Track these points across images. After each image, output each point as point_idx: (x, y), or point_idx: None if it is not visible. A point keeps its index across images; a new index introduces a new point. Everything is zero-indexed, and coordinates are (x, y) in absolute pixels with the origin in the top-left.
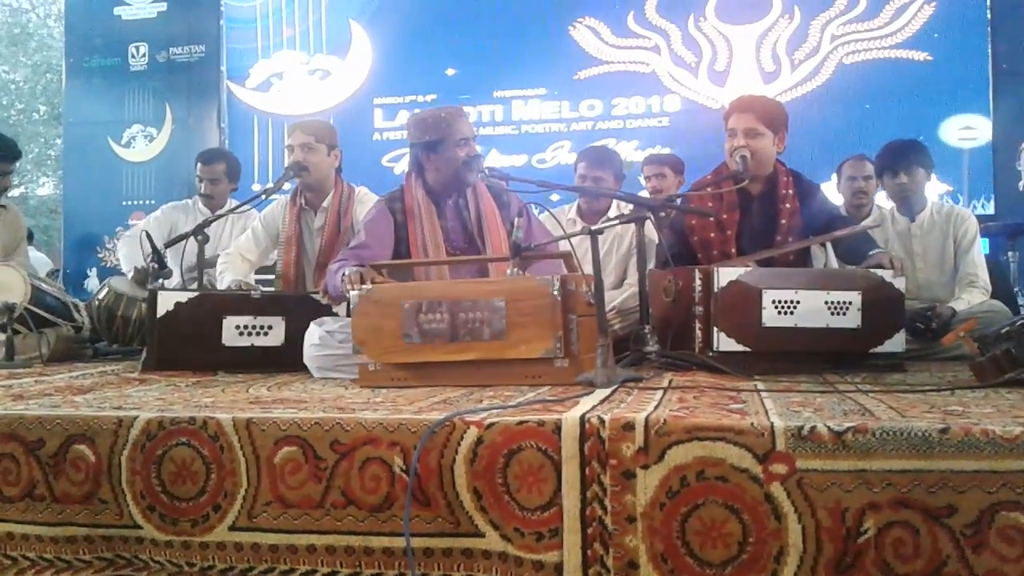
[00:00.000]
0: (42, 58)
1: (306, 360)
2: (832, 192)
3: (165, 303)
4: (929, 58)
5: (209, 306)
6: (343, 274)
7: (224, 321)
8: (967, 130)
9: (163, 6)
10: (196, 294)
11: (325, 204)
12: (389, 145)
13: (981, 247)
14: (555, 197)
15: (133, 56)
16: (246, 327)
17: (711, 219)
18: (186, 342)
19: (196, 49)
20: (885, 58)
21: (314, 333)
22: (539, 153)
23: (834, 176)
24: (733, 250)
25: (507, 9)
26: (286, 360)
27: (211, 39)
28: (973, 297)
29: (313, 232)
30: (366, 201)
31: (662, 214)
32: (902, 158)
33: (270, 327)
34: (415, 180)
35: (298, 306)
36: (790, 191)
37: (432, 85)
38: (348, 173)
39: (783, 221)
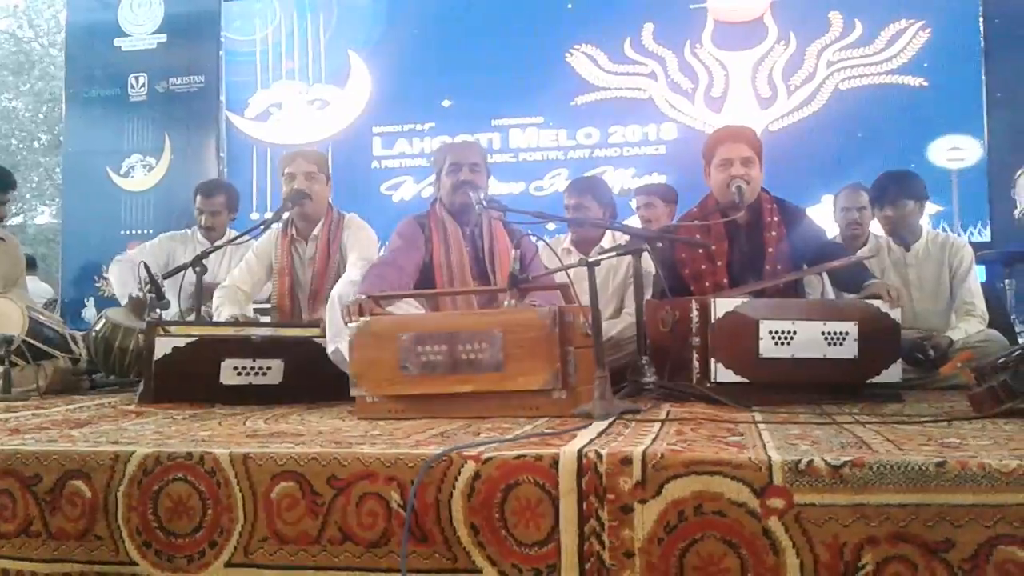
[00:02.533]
0: (44, 87)
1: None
2: (826, 218)
3: (162, 347)
4: (925, 83)
5: (207, 350)
6: (345, 306)
7: (222, 363)
8: (955, 151)
9: (163, 37)
10: (194, 339)
11: (316, 232)
12: (387, 174)
13: (977, 276)
14: (551, 226)
15: (133, 86)
16: (244, 368)
17: (701, 251)
18: (183, 383)
19: (195, 80)
20: (881, 84)
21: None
22: (536, 181)
23: (823, 198)
24: (725, 280)
25: (505, 37)
26: (284, 396)
27: (210, 70)
28: (970, 326)
29: (305, 261)
30: (354, 226)
31: (659, 244)
32: (888, 192)
33: (268, 368)
34: (439, 206)
35: (297, 347)
36: (775, 218)
37: (430, 114)
38: (347, 201)
39: (770, 249)
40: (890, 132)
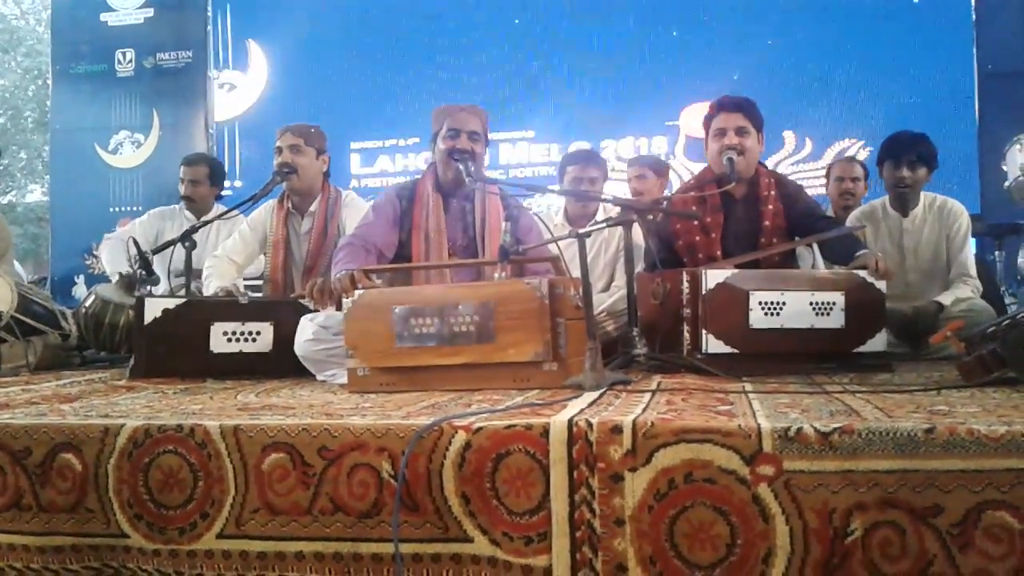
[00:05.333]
0: (31, 64)
1: (300, 356)
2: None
3: (152, 310)
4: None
5: (196, 313)
6: (336, 278)
7: (212, 328)
8: None
9: (150, 12)
10: (183, 300)
11: (312, 208)
12: (371, 192)
13: (972, 245)
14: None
15: (120, 62)
16: (234, 333)
17: (696, 223)
18: (174, 349)
19: (183, 55)
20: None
21: (307, 328)
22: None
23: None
24: (718, 253)
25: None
26: (275, 366)
27: (198, 44)
28: (961, 292)
29: (300, 236)
30: (353, 205)
31: (649, 216)
32: (908, 151)
33: (258, 333)
34: (430, 174)
35: (285, 311)
36: (772, 192)
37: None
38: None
39: (766, 223)
40: None
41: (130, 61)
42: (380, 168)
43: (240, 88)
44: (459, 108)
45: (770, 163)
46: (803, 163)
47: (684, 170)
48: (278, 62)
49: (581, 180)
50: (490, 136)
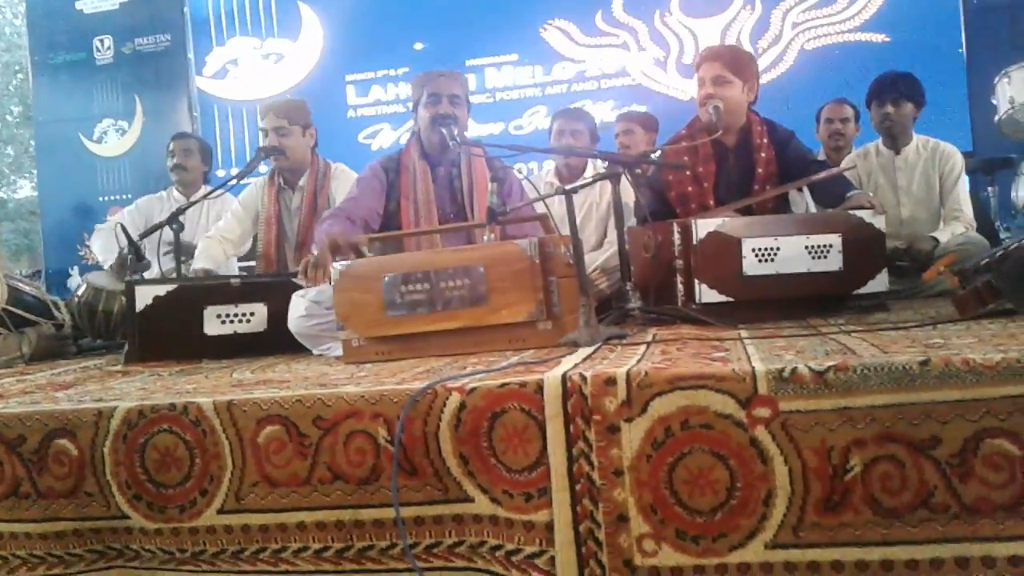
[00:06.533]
0: (11, 59)
1: (295, 332)
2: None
3: (143, 297)
4: (887, 39)
5: (188, 297)
6: (322, 242)
7: (205, 311)
8: None
9: None
10: (174, 286)
11: (302, 183)
12: (365, 121)
13: (966, 184)
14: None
15: (98, 49)
16: (228, 315)
17: (688, 173)
18: (168, 333)
19: (161, 39)
20: (844, 42)
21: (299, 304)
22: (515, 119)
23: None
24: (711, 202)
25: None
26: (271, 344)
27: (176, 27)
28: (956, 229)
29: (292, 211)
30: (342, 177)
31: (637, 170)
32: (891, 89)
33: (252, 313)
34: (414, 142)
35: (278, 290)
36: (764, 140)
37: (404, 59)
38: (323, 151)
39: (760, 170)
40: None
41: (108, 48)
42: (374, 98)
43: (289, 57)
44: (438, 73)
45: (778, 12)
46: (815, 9)
47: (685, 31)
48: (336, 23)
49: (564, 132)
50: (476, 62)
